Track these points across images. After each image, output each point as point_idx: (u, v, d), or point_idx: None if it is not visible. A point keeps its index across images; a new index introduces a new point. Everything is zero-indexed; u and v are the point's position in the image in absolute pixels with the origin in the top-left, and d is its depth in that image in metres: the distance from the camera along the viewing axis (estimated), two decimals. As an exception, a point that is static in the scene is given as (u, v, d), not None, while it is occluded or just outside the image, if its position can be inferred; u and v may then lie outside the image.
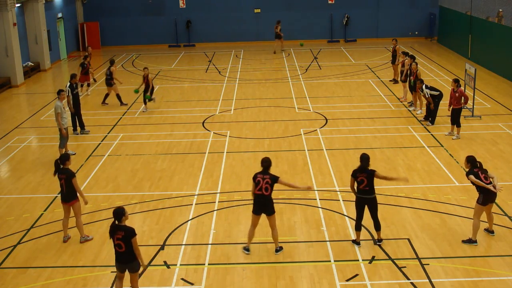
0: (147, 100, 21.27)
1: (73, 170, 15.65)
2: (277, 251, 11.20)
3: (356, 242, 11.36)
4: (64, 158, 11.70)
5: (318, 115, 20.25)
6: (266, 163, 10.97)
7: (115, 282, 9.59)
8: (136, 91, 21.22)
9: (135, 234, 9.11)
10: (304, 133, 18.25)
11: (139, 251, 9.19)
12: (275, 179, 10.84)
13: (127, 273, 9.46)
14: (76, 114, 18.72)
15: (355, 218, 11.35)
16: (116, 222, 9.17)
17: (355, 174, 11.15)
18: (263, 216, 11.05)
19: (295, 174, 15.00)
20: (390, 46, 25.87)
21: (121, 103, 22.09)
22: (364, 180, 11.01)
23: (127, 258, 9.16)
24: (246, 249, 11.22)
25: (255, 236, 11.62)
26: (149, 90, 21.16)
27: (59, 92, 16.54)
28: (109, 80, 21.92)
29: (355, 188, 11.23)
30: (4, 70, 26.06)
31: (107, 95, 22.38)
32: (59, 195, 12.03)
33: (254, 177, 10.91)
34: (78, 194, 11.57)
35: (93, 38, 35.73)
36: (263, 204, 10.86)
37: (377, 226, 11.32)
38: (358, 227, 11.32)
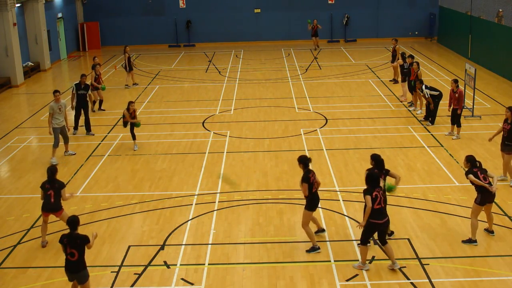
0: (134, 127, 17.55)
1: (73, 172, 15.75)
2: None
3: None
4: (55, 170, 11.67)
5: (318, 115, 20.26)
6: (309, 160, 11.12)
7: None
8: (138, 125, 17.53)
9: (89, 240, 9.23)
10: (304, 133, 18.25)
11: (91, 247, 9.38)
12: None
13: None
14: (80, 115, 18.66)
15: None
16: (72, 231, 9.20)
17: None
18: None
19: (295, 174, 15.00)
20: (390, 46, 25.86)
21: (98, 109, 21.51)
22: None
23: (77, 267, 9.17)
24: (317, 248, 11.13)
25: (254, 236, 11.63)
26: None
27: (54, 92, 16.43)
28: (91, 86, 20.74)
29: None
30: (4, 70, 26.06)
31: (100, 102, 21.57)
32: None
33: (308, 179, 10.83)
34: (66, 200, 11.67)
35: (93, 38, 35.74)
36: (319, 200, 11.24)
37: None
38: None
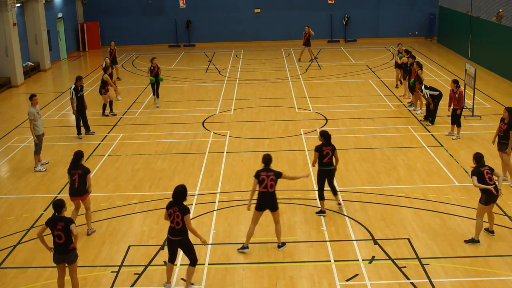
0: (159, 83, 21.74)
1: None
2: (279, 246, 11.26)
3: (322, 211, 12.66)
4: (81, 155, 12.06)
5: (318, 115, 20.26)
6: (267, 159, 11.10)
7: (58, 277, 9.74)
8: (154, 80, 21.64)
9: (73, 222, 9.45)
10: (304, 133, 18.25)
11: (77, 236, 9.46)
12: (279, 175, 11.00)
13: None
14: (81, 116, 18.41)
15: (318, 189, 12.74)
16: (56, 214, 9.49)
17: (320, 149, 12.38)
18: (264, 214, 11.05)
19: (295, 174, 14.99)
20: (391, 46, 25.76)
21: (110, 111, 20.85)
22: (329, 153, 12.39)
23: (65, 248, 9.43)
24: (245, 247, 11.20)
25: (254, 236, 11.63)
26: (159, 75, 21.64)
27: (31, 97, 15.90)
28: (100, 89, 20.47)
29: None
30: (4, 70, 26.06)
31: (110, 103, 20.91)
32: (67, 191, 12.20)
33: (257, 175, 10.98)
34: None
35: (93, 38, 35.73)
36: (268, 201, 11.03)
37: (334, 192, 12.83)
38: (321, 197, 12.63)
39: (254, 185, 11.03)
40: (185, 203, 9.80)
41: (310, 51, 30.28)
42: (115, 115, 20.91)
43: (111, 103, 20.94)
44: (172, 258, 10.03)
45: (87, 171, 11.99)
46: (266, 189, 10.92)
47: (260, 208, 11.08)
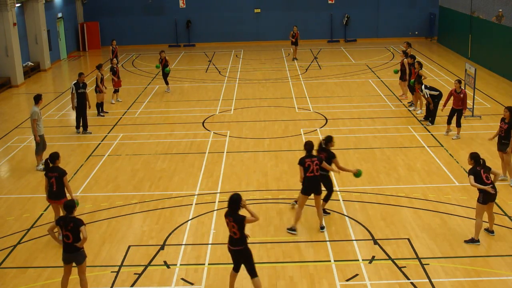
0: (166, 73, 23.78)
1: (73, 172, 15.74)
2: (322, 228, 11.88)
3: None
4: (54, 157, 11.67)
5: (318, 115, 20.26)
6: (310, 146, 11.69)
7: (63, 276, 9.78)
8: (158, 66, 24.11)
9: (83, 224, 9.48)
10: (304, 133, 18.25)
11: (85, 239, 9.43)
12: (321, 160, 11.71)
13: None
14: (81, 113, 18.48)
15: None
16: (68, 215, 9.55)
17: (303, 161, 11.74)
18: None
19: (296, 174, 14.97)
20: (390, 46, 25.71)
21: (101, 111, 20.95)
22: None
23: (73, 248, 9.47)
24: (293, 229, 11.83)
25: (254, 236, 11.63)
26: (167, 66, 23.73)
27: (38, 97, 15.79)
28: (96, 87, 20.57)
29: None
30: (4, 70, 26.06)
31: (101, 105, 20.98)
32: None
33: (302, 162, 11.56)
34: (67, 193, 11.63)
35: (93, 38, 35.73)
36: (315, 185, 11.64)
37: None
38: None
39: (301, 172, 11.57)
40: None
41: (295, 51, 30.44)
42: (103, 115, 20.91)
43: (102, 103, 20.98)
44: (236, 267, 9.71)
45: (63, 173, 11.54)
46: (312, 173, 11.51)
47: (307, 192, 11.66)
